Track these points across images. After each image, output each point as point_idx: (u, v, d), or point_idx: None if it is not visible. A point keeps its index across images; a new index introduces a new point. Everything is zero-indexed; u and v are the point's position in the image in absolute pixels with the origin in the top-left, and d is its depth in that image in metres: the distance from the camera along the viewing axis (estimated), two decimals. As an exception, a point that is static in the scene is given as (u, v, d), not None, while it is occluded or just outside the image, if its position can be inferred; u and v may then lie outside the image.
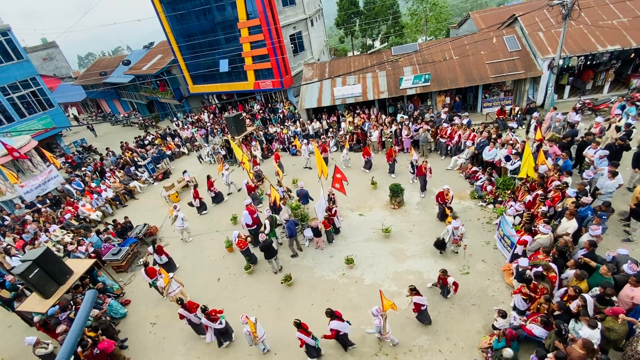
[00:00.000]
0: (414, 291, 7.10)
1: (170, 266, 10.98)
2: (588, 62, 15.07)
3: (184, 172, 16.50)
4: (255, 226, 11.00)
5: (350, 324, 7.06)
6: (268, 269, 10.23)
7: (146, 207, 15.78)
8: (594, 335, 5.41)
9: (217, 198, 14.40)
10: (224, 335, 8.01)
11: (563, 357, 5.21)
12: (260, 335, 7.26)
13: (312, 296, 9.04)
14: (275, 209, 11.61)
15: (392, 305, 6.60)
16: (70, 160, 22.10)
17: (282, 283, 9.55)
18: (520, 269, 7.34)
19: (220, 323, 7.70)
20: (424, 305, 7.23)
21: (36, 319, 8.93)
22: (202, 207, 13.94)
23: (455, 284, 7.64)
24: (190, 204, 13.93)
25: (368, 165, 14.36)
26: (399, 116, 17.37)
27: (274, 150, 18.43)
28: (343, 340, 7.14)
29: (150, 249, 10.77)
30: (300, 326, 6.76)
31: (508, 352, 5.82)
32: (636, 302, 5.87)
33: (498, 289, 8.11)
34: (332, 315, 6.80)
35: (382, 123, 16.33)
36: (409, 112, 18.03)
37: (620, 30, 14.80)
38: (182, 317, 8.02)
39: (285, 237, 10.75)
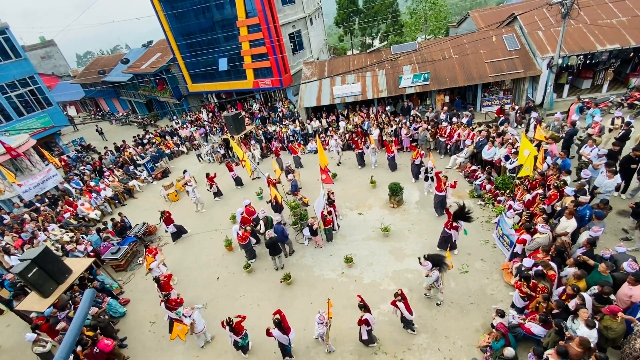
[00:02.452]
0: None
1: (179, 234, 12.49)
2: (587, 61, 15.07)
3: (184, 171, 16.49)
4: (246, 225, 10.95)
5: (289, 339, 7.11)
6: (267, 268, 10.24)
7: (145, 206, 15.77)
8: (591, 335, 5.42)
9: (218, 194, 14.66)
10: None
11: (564, 352, 5.21)
12: (198, 329, 7.97)
13: (312, 295, 9.05)
14: (277, 207, 11.63)
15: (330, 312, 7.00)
16: (63, 164, 20.91)
17: (281, 282, 9.56)
18: (523, 269, 7.36)
19: (177, 314, 8.31)
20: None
21: (33, 314, 8.92)
22: (218, 194, 14.64)
23: (394, 303, 7.15)
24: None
25: (392, 165, 13.85)
26: (412, 112, 16.84)
27: (273, 149, 18.40)
28: (282, 348, 7.27)
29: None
30: (230, 325, 7.18)
31: (510, 351, 5.83)
32: (634, 300, 5.89)
33: (497, 288, 8.13)
34: (279, 325, 6.90)
35: (382, 122, 16.32)
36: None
37: (619, 29, 14.80)
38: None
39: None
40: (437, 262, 7.44)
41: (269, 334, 6.93)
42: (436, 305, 8.03)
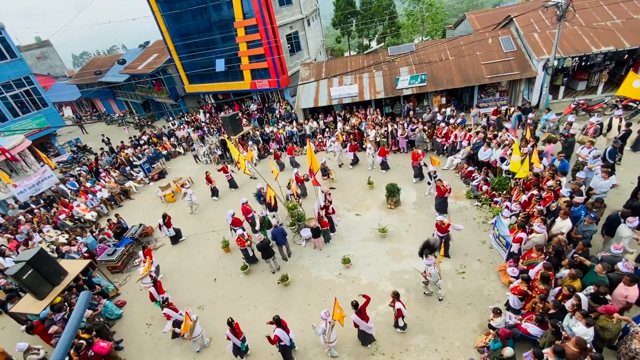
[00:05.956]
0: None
1: (177, 238, 12.37)
2: (582, 63, 15.21)
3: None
4: (238, 227, 10.88)
5: (292, 339, 7.15)
6: (265, 269, 10.21)
7: (142, 207, 15.68)
8: (588, 333, 5.45)
9: (214, 193, 14.74)
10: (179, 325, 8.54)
11: (561, 351, 5.24)
12: (196, 334, 7.84)
13: (309, 296, 9.03)
14: (271, 207, 11.61)
15: (340, 318, 6.71)
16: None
17: (278, 283, 9.54)
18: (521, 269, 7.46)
19: (181, 314, 8.21)
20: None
21: (22, 327, 8.86)
22: (214, 193, 14.70)
23: (399, 310, 7.11)
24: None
25: (384, 166, 13.97)
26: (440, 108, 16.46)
27: (271, 150, 18.38)
28: (283, 349, 7.15)
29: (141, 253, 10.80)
30: (231, 325, 7.15)
31: (509, 351, 5.83)
32: (630, 300, 5.93)
33: (494, 289, 8.16)
34: (278, 323, 6.97)
35: (378, 123, 16.35)
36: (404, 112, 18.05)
37: (614, 31, 14.94)
38: (152, 297, 9.00)
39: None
40: (430, 247, 7.58)
41: (272, 341, 6.78)
42: (439, 301, 8.10)
